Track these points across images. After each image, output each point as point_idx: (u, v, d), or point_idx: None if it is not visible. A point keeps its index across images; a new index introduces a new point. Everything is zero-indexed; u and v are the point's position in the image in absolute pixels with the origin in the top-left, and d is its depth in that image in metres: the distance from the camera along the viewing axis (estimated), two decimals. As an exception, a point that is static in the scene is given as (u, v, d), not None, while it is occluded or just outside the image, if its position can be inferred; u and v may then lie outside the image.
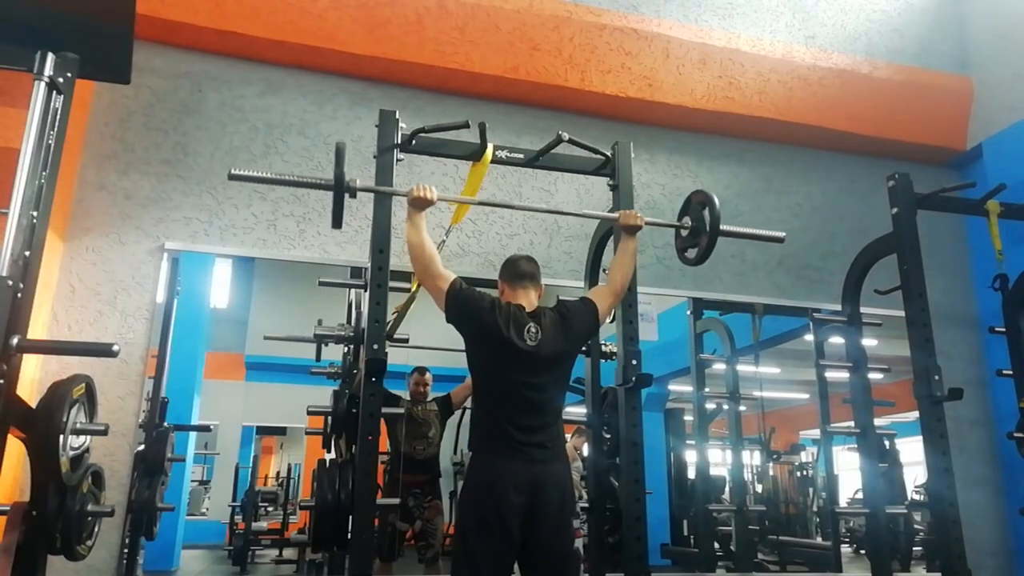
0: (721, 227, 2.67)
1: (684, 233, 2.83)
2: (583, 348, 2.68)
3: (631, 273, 2.62)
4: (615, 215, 2.70)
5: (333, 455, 2.93)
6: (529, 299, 2.51)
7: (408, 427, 4.10)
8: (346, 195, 2.46)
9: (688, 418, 5.68)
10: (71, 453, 2.05)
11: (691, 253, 2.81)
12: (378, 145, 2.66)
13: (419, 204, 2.45)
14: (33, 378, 3.00)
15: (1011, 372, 3.54)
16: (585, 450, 5.22)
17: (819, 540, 6.29)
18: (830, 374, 3.85)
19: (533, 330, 2.38)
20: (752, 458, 6.16)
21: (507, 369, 2.34)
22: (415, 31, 3.82)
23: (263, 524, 5.88)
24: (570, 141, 2.77)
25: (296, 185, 2.65)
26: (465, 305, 2.37)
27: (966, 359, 4.50)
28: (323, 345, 3.26)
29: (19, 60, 2.13)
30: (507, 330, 2.34)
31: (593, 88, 4.08)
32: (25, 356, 1.93)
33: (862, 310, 3.57)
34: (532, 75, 3.99)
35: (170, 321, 3.36)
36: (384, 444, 3.47)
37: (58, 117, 2.09)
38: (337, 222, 2.46)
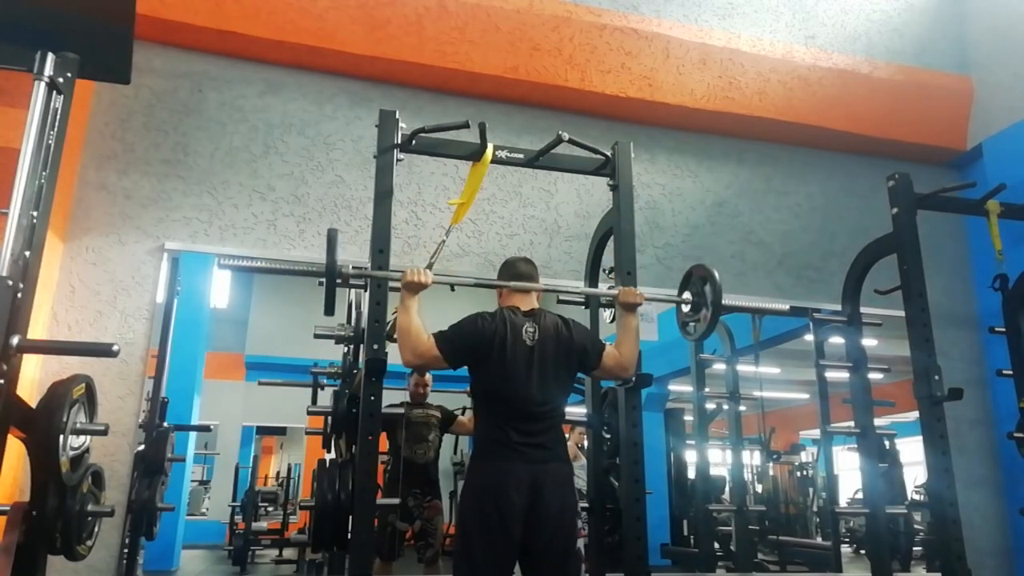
0: (724, 302, 2.64)
1: (685, 308, 2.81)
2: (576, 373, 2.61)
3: (636, 350, 2.57)
4: (614, 292, 2.65)
5: (333, 455, 2.93)
6: (527, 300, 2.52)
7: (408, 430, 4.10)
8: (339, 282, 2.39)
9: (688, 418, 5.68)
10: (71, 453, 2.05)
11: (692, 328, 2.80)
12: (378, 145, 2.66)
13: (413, 288, 2.37)
14: (33, 378, 3.00)
15: (1011, 372, 3.54)
16: (584, 442, 5.22)
17: (819, 540, 6.30)
18: (830, 374, 3.85)
19: (531, 329, 2.39)
20: (752, 458, 6.16)
21: (506, 370, 2.35)
22: (415, 31, 3.82)
23: (263, 524, 5.88)
24: (570, 141, 2.77)
25: (289, 274, 2.62)
26: (461, 344, 2.37)
27: (966, 359, 4.49)
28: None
29: (19, 60, 2.13)
30: (504, 333, 2.34)
31: (593, 88, 4.08)
32: (25, 356, 1.92)
33: (862, 310, 3.56)
34: (532, 75, 3.99)
35: (170, 321, 3.36)
36: (384, 446, 3.47)
37: (58, 117, 2.09)
38: (330, 310, 2.39)
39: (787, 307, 3.04)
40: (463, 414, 4.32)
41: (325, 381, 3.71)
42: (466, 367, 2.44)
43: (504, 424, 2.30)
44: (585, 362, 2.51)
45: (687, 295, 2.81)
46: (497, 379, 2.36)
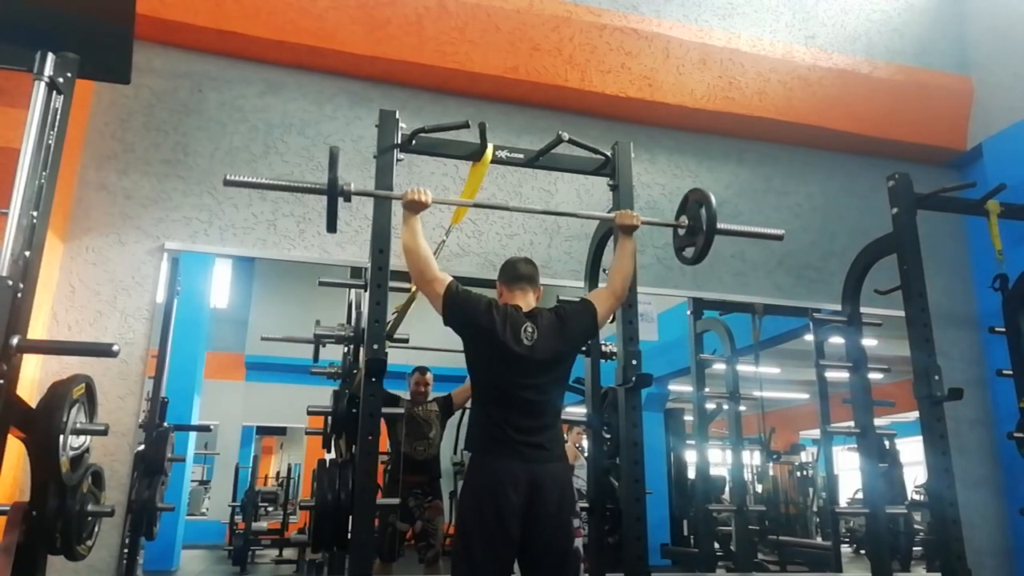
0: (718, 225, 2.66)
1: (681, 232, 2.82)
2: (583, 349, 2.67)
3: (631, 274, 2.61)
4: (612, 215, 2.70)
5: (333, 455, 2.93)
6: (527, 300, 2.52)
7: (408, 427, 4.10)
8: (341, 199, 2.44)
9: (688, 418, 5.68)
10: (71, 453, 2.05)
11: (689, 252, 2.81)
12: (378, 145, 2.66)
13: (414, 207, 2.43)
14: (33, 378, 2.99)
15: (1011, 372, 3.54)
16: (584, 442, 5.22)
17: (819, 540, 6.29)
18: (830, 374, 3.85)
19: (530, 330, 2.39)
20: (752, 458, 6.16)
21: (504, 370, 2.35)
22: (415, 31, 3.82)
23: (263, 524, 5.88)
24: (570, 141, 2.77)
25: (290, 190, 2.64)
26: (462, 307, 2.37)
27: (966, 359, 4.49)
28: (321, 346, 3.26)
29: (19, 60, 2.13)
30: (503, 331, 2.34)
31: (593, 88, 4.08)
32: (25, 356, 1.92)
33: (862, 310, 3.57)
34: (532, 75, 3.99)
35: (170, 321, 3.36)
36: (384, 444, 3.47)
37: (58, 117, 2.09)
38: (332, 226, 2.45)
39: (781, 232, 2.98)
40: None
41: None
42: (465, 368, 2.44)
43: (502, 423, 2.31)
44: (589, 333, 2.58)
45: (684, 219, 2.82)
46: (495, 378, 2.37)
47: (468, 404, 3.52)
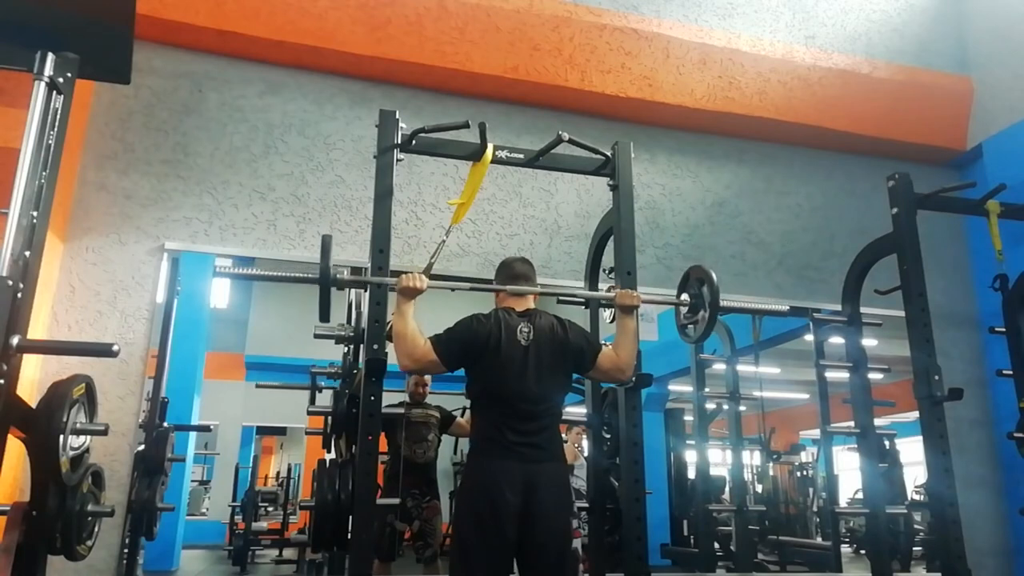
0: (721, 303, 2.64)
1: (684, 310, 2.81)
2: (572, 373, 2.59)
3: (634, 352, 2.56)
4: (612, 295, 2.65)
5: (333, 455, 2.93)
6: (522, 301, 2.52)
7: (408, 430, 4.10)
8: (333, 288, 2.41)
9: (688, 418, 5.68)
10: (71, 453, 2.05)
11: (691, 330, 2.80)
12: (378, 145, 2.66)
13: (408, 294, 2.37)
14: (33, 378, 2.99)
15: (1011, 372, 3.54)
16: (585, 446, 5.22)
17: (819, 540, 6.30)
18: (830, 374, 3.85)
19: (525, 330, 2.39)
20: (752, 458, 6.16)
21: (501, 370, 2.35)
22: (415, 31, 3.82)
23: (263, 524, 5.89)
24: (570, 141, 2.77)
25: (283, 280, 2.62)
26: (455, 347, 2.37)
27: (966, 359, 4.49)
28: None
29: (19, 60, 2.13)
30: (498, 334, 2.35)
31: (593, 88, 4.08)
32: (25, 356, 1.92)
33: (862, 310, 3.56)
34: (532, 75, 3.99)
35: (170, 321, 3.36)
36: (383, 445, 3.47)
37: (58, 117, 2.09)
38: (325, 316, 2.42)
39: (786, 307, 3.04)
40: (462, 415, 4.32)
41: (324, 383, 3.72)
42: (463, 368, 2.44)
43: (499, 423, 2.31)
44: (581, 363, 2.51)
45: (685, 297, 2.81)
46: (492, 379, 2.37)
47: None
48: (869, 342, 3.61)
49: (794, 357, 5.32)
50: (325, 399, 2.99)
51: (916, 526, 4.58)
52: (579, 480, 4.09)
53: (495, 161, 2.80)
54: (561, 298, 3.35)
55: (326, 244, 2.39)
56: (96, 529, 2.27)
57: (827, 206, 4.63)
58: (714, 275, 2.66)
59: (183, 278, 3.45)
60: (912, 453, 3.92)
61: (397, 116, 2.70)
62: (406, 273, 2.40)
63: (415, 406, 4.22)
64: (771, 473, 6.90)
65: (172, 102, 3.66)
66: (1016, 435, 3.52)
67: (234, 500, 5.61)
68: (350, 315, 3.36)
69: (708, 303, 2.66)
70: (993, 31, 4.78)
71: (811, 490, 7.07)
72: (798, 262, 4.46)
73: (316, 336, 2.92)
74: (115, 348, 1.95)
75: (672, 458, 5.83)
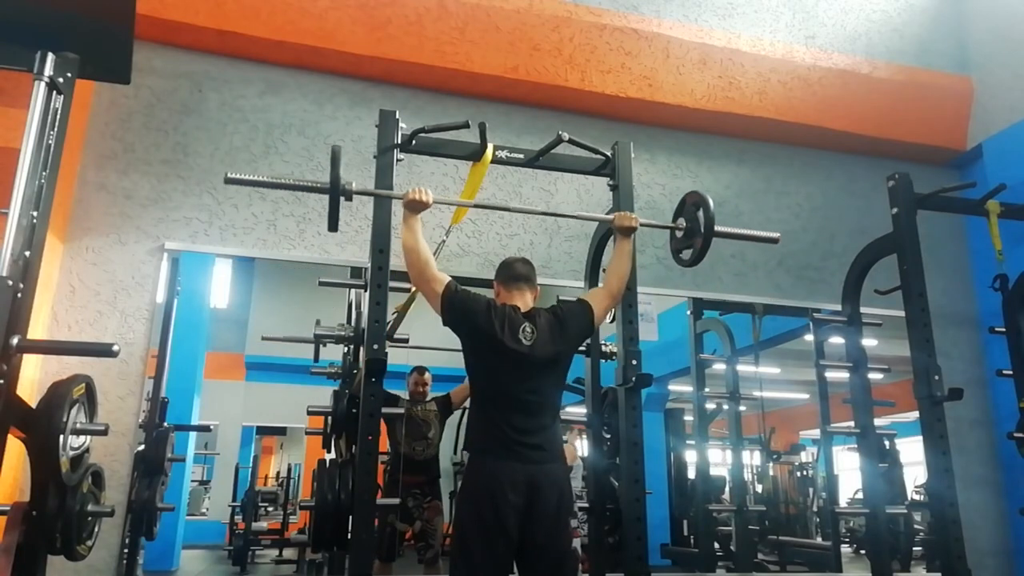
0: (716, 228, 2.66)
1: (679, 234, 2.82)
2: (581, 348, 2.66)
3: (628, 275, 2.61)
4: (610, 217, 2.70)
5: (333, 455, 2.92)
6: (524, 300, 2.52)
7: (408, 427, 4.10)
8: (343, 198, 2.44)
9: (688, 418, 5.68)
10: (71, 453, 2.05)
11: (686, 254, 2.81)
12: (378, 145, 2.66)
13: (415, 207, 2.42)
14: (33, 378, 2.99)
15: (1011, 372, 3.54)
16: (578, 445, 5.23)
17: (819, 540, 6.29)
18: (830, 374, 3.85)
19: (528, 330, 2.39)
20: (752, 458, 6.16)
21: (502, 370, 2.35)
22: (415, 31, 3.82)
23: (263, 524, 5.88)
24: (570, 141, 2.77)
25: (292, 188, 2.64)
26: (461, 307, 2.37)
27: (966, 359, 4.49)
28: (322, 345, 3.26)
29: (19, 60, 2.13)
30: (502, 331, 2.34)
31: (593, 88, 4.08)
32: (25, 356, 1.92)
33: (862, 310, 3.56)
34: (532, 75, 3.99)
35: (170, 321, 3.36)
36: (384, 445, 3.47)
37: (58, 117, 2.09)
38: (333, 225, 2.45)
39: (776, 235, 2.94)
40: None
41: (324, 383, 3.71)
42: (463, 369, 2.44)
43: (501, 423, 2.30)
44: (586, 332, 2.55)
45: (681, 221, 2.81)
46: (494, 378, 2.37)
47: (467, 404, 3.52)
48: (869, 342, 3.61)
49: (794, 357, 5.31)
50: (326, 399, 2.99)
51: (916, 526, 4.57)
52: (574, 481, 4.09)
53: (495, 161, 2.80)
54: (561, 297, 3.35)
55: (335, 154, 2.40)
56: (96, 529, 2.27)
57: (827, 206, 4.63)
58: (710, 200, 2.67)
59: (183, 278, 3.45)
60: (912, 453, 3.91)
61: (397, 116, 2.70)
62: (413, 187, 2.44)
63: (415, 404, 4.22)
64: (771, 473, 6.88)
65: (172, 102, 3.66)
66: (1016, 435, 3.52)
67: (234, 500, 5.60)
68: (350, 315, 3.36)
69: (703, 227, 2.68)
70: (993, 31, 4.78)
71: (811, 490, 7.06)
72: (798, 262, 4.46)
73: (316, 336, 2.92)
74: (115, 348, 1.95)
75: (672, 458, 5.82)
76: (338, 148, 2.42)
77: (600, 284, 2.91)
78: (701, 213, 2.69)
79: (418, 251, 2.38)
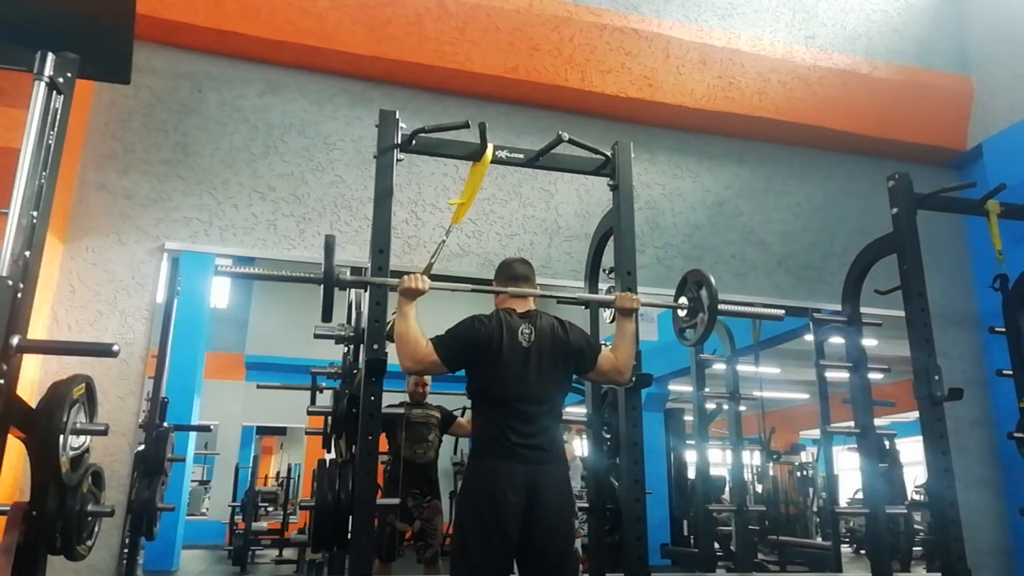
0: (720, 305, 2.64)
1: (682, 313, 2.81)
2: (572, 374, 2.56)
3: (633, 355, 2.56)
4: (611, 298, 2.66)
5: (333, 455, 2.93)
6: (523, 302, 2.52)
7: (408, 430, 4.10)
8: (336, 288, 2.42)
9: (688, 418, 5.69)
10: (71, 453, 2.05)
11: (689, 334, 2.79)
12: (378, 145, 2.66)
13: (410, 295, 2.37)
14: (33, 378, 2.99)
15: (1011, 372, 3.54)
16: (576, 445, 5.22)
17: (819, 540, 6.30)
18: (830, 374, 3.85)
19: (527, 331, 2.39)
20: (752, 458, 6.17)
21: (502, 371, 2.35)
22: (415, 31, 3.82)
23: (263, 524, 5.89)
24: (570, 141, 2.77)
25: (286, 280, 2.61)
26: (457, 347, 2.37)
27: (966, 359, 4.49)
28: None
29: (19, 60, 2.13)
30: (500, 334, 2.35)
31: (593, 88, 4.08)
32: (25, 356, 1.92)
33: (862, 310, 3.56)
34: (532, 75, 3.99)
35: (170, 321, 3.36)
36: (384, 446, 3.47)
37: (58, 117, 2.09)
38: (327, 316, 2.43)
39: (782, 312, 3.01)
40: (463, 415, 4.32)
41: (325, 383, 3.72)
42: (464, 369, 2.44)
43: (501, 424, 2.30)
44: (581, 364, 2.51)
45: (683, 300, 2.80)
46: (494, 380, 2.37)
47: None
48: (869, 342, 3.61)
49: (794, 357, 5.32)
50: (325, 399, 2.99)
51: (916, 526, 4.58)
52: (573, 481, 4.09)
53: (495, 161, 2.80)
54: (561, 300, 3.35)
55: (330, 244, 2.39)
56: (96, 529, 2.26)
57: (827, 206, 4.63)
58: (712, 279, 2.66)
59: (183, 278, 3.45)
60: (912, 453, 3.92)
61: (397, 116, 2.70)
62: (408, 274, 2.40)
63: (415, 406, 4.22)
64: (771, 473, 6.90)
65: (172, 102, 3.66)
66: (1016, 435, 3.52)
67: (234, 500, 5.61)
68: (350, 315, 3.36)
69: (706, 306, 2.66)
70: (993, 31, 4.78)
71: (811, 490, 7.07)
72: (798, 262, 4.46)
73: (316, 336, 2.92)
74: (115, 348, 1.94)
75: (672, 458, 5.83)
76: (332, 238, 2.40)
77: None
78: (704, 292, 2.68)
79: (409, 337, 2.32)
